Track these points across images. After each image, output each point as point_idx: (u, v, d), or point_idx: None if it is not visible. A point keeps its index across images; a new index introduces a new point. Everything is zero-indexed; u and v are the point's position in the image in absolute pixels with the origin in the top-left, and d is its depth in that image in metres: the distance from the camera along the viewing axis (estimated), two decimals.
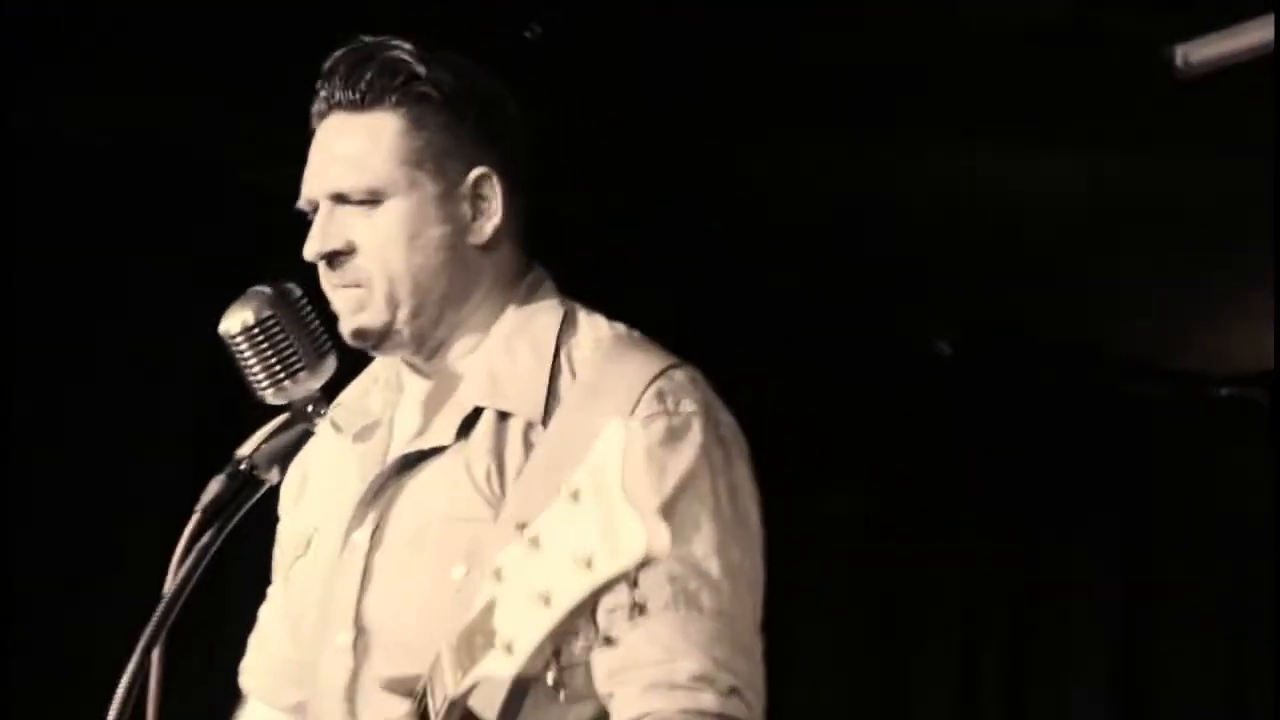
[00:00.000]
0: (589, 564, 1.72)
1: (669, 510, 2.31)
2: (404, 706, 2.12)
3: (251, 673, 2.77)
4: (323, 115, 2.51)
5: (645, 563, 1.69)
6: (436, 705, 2.00)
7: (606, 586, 1.72)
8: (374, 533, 2.47)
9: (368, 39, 2.51)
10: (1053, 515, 6.61)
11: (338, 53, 2.51)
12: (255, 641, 2.77)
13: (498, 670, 1.82)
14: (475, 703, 2.10)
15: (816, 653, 5.43)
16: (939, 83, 4.69)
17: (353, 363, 2.57)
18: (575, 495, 1.74)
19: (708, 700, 2.26)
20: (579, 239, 2.66)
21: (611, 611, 1.78)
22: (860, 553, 5.87)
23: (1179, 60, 3.99)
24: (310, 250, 2.48)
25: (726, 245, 5.56)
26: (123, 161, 4.40)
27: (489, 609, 1.84)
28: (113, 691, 2.30)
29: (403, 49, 2.49)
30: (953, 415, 6.37)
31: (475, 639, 1.87)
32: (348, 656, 2.46)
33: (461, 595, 2.28)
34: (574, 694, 2.34)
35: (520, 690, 2.18)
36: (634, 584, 1.73)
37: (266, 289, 2.47)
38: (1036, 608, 6.61)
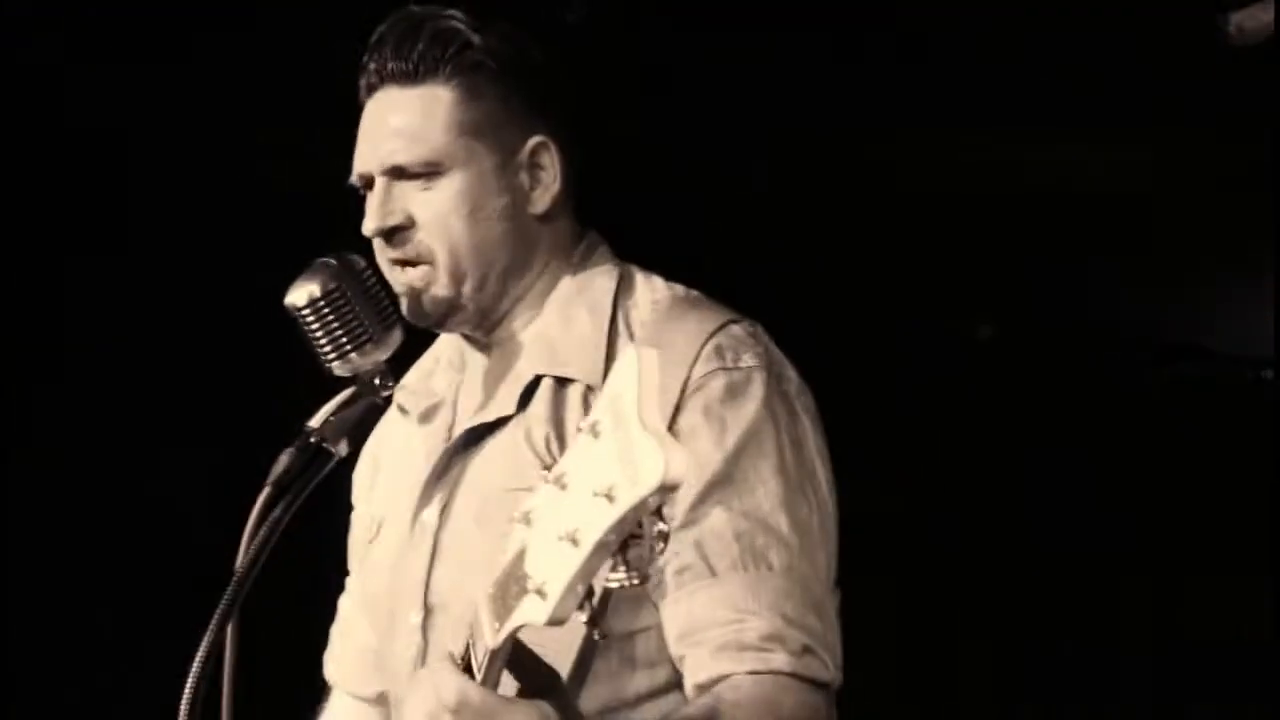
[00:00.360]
0: (610, 496, 1.66)
1: (731, 466, 2.29)
2: None
3: (335, 662, 2.75)
4: (373, 88, 2.47)
5: (666, 488, 1.63)
6: (479, 659, 1.96)
7: (630, 517, 1.67)
8: (442, 510, 2.45)
9: (415, 8, 2.46)
10: (1095, 496, 6.58)
11: (386, 23, 2.47)
12: (337, 632, 2.75)
13: (532, 616, 1.78)
14: (549, 657, 2.08)
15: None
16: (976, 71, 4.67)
17: (415, 337, 2.55)
18: (594, 429, 1.70)
19: (779, 660, 2.23)
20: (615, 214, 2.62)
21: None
22: (892, 536, 5.84)
23: (1232, 28, 3.95)
24: (369, 226, 2.44)
25: (766, 232, 5.55)
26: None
27: (520, 556, 1.80)
28: (187, 667, 2.29)
29: (455, 18, 2.45)
30: (987, 400, 6.34)
31: (509, 587, 1.83)
32: (418, 635, 2.44)
33: None
34: (648, 657, 2.32)
35: (590, 645, 2.16)
36: (658, 514, 1.68)
37: (331, 260, 2.45)
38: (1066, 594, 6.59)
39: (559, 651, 2.18)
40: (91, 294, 4.27)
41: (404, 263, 2.45)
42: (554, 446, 2.36)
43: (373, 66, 2.46)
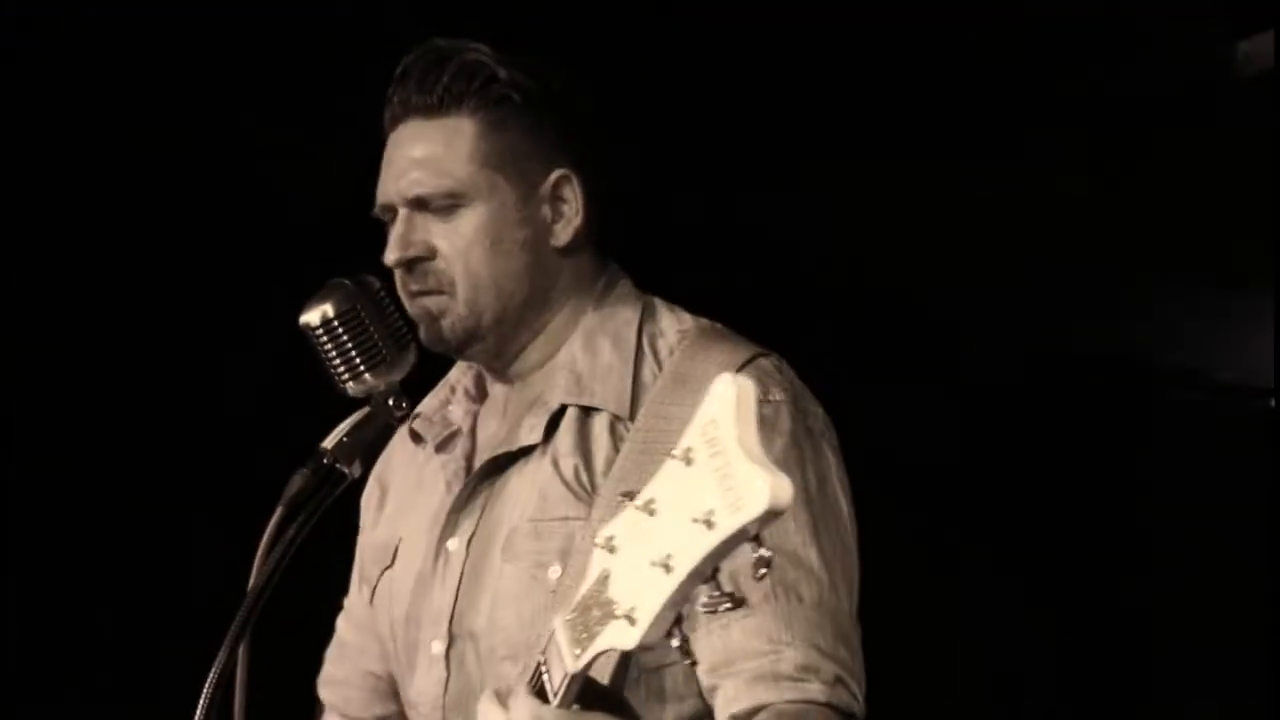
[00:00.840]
0: (709, 523, 1.66)
1: None
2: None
3: (332, 685, 2.74)
4: (396, 120, 2.47)
5: (770, 514, 1.63)
6: (555, 684, 1.94)
7: (729, 544, 1.67)
8: (469, 540, 2.45)
9: (440, 41, 2.46)
10: (1098, 522, 6.58)
11: (410, 55, 2.47)
12: (334, 654, 2.74)
13: (620, 641, 1.78)
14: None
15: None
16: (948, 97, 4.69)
17: (430, 359, 2.55)
18: (687, 457, 1.70)
19: (814, 690, 2.24)
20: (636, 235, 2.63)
21: (735, 574, 1.75)
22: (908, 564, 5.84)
23: (1241, 57, 3.96)
24: (390, 257, 2.44)
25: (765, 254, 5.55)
26: None
27: (603, 580, 1.80)
28: (201, 685, 2.29)
29: (480, 50, 2.45)
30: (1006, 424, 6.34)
31: (591, 612, 1.83)
32: (441, 665, 2.43)
33: (559, 595, 2.27)
34: (675, 690, 2.33)
35: (620, 677, 2.15)
36: (757, 540, 1.68)
37: (347, 281, 2.45)
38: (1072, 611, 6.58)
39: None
40: (103, 299, 4.27)
41: (424, 293, 2.45)
42: (583, 477, 2.36)
43: (397, 99, 2.47)
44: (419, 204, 2.44)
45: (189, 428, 4.24)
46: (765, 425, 2.30)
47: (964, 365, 6.31)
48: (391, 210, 2.47)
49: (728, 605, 1.73)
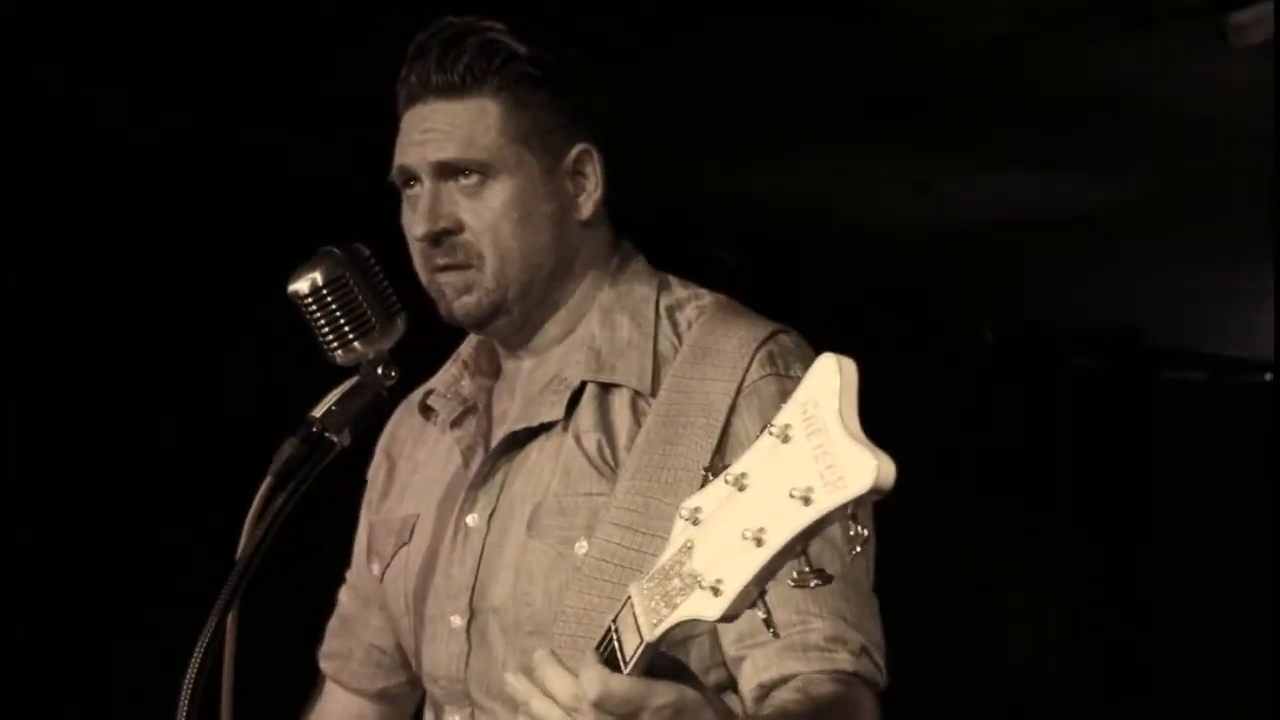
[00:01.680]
0: (807, 499, 1.65)
1: None
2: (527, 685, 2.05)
3: (334, 659, 2.74)
4: (414, 99, 2.45)
5: (874, 493, 1.62)
6: (628, 653, 1.92)
7: (827, 520, 1.66)
8: (490, 516, 2.44)
9: (454, 19, 2.45)
10: (1099, 498, 6.59)
11: (425, 35, 2.45)
12: (336, 627, 2.74)
13: (703, 611, 1.77)
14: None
15: None
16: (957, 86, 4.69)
17: (419, 329, 2.53)
18: (785, 434, 1.69)
19: (842, 660, 2.25)
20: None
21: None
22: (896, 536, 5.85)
23: (1231, 30, 3.95)
24: (419, 230, 2.43)
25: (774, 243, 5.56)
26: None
27: (686, 551, 1.79)
28: (188, 657, 2.27)
29: (496, 29, 2.44)
30: (992, 401, 6.35)
31: (671, 582, 1.81)
32: (462, 639, 2.44)
33: (585, 570, 2.29)
34: (701, 662, 2.32)
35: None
36: (854, 518, 1.67)
37: (335, 249, 2.44)
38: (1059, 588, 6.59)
39: None
40: (87, 280, 4.27)
41: (450, 267, 2.44)
42: (606, 452, 2.37)
43: (414, 78, 2.45)
44: (445, 171, 2.43)
45: (175, 398, 4.24)
46: (785, 399, 2.33)
47: (958, 340, 6.34)
48: (410, 175, 2.46)
49: (817, 581, 1.73)
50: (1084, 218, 5.68)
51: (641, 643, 1.89)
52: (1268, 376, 6.78)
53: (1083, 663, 6.64)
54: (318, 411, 2.43)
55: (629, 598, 1.91)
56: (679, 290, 2.50)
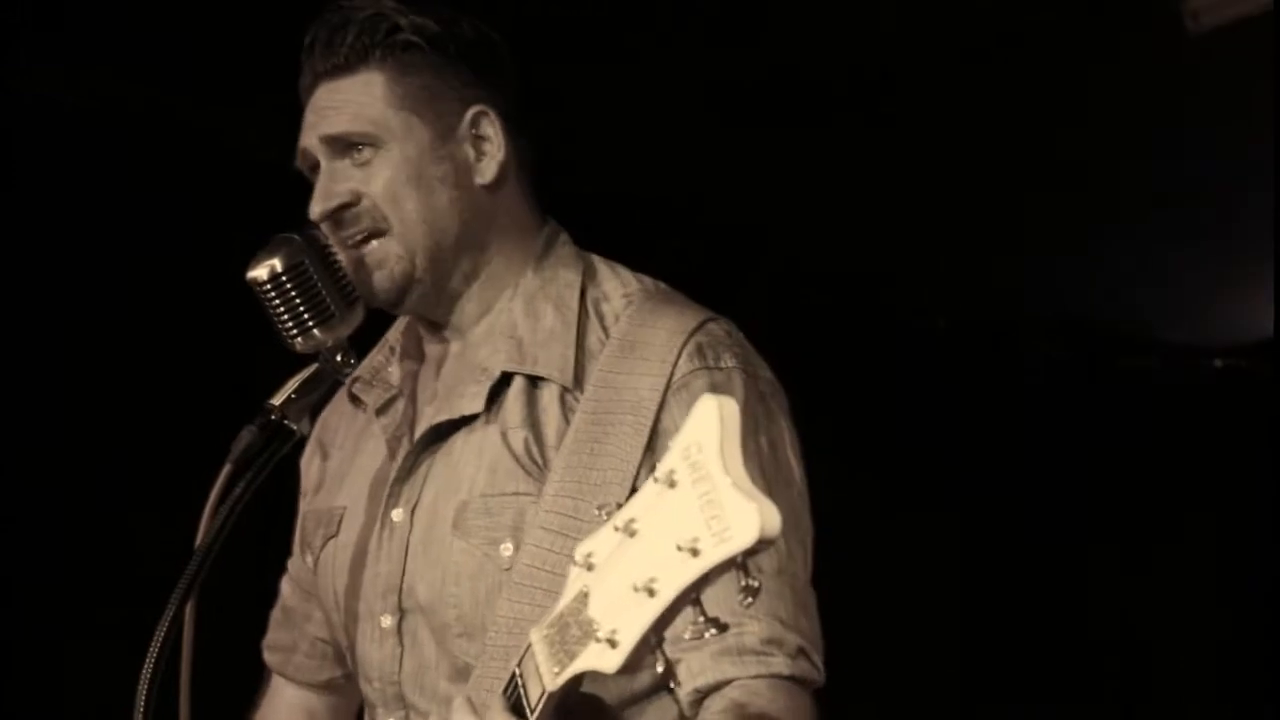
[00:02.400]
0: (694, 551, 1.65)
1: None
2: (461, 691, 2.09)
3: (277, 650, 2.72)
4: (310, 88, 2.47)
5: (761, 545, 1.62)
6: (532, 701, 1.93)
7: (715, 572, 1.66)
8: (413, 510, 2.42)
9: (342, 2, 2.45)
10: (1051, 488, 6.61)
11: (315, 23, 2.46)
12: (279, 618, 2.72)
13: (600, 663, 1.77)
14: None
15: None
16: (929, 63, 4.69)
17: (377, 315, 2.52)
18: (670, 479, 1.67)
19: (778, 664, 2.23)
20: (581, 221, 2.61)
21: (718, 598, 1.75)
22: (857, 524, 5.85)
23: (1187, 17, 3.96)
24: (316, 209, 2.42)
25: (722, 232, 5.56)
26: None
27: (582, 598, 1.78)
28: (147, 644, 2.26)
29: (379, 4, 2.45)
30: (947, 389, 6.36)
31: (570, 630, 1.81)
32: (394, 639, 2.41)
33: (514, 573, 2.26)
34: (655, 685, 2.31)
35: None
36: (743, 568, 1.66)
37: (295, 236, 2.42)
38: (1034, 582, 6.61)
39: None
40: (46, 272, 4.24)
41: (357, 241, 2.43)
42: (534, 451, 2.33)
43: (307, 68, 2.47)
44: (337, 147, 2.43)
45: (135, 386, 4.22)
46: (717, 391, 2.27)
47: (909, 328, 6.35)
48: (310, 159, 2.45)
49: (713, 631, 1.73)
50: (1037, 206, 5.69)
51: (544, 692, 1.90)
52: (1217, 363, 6.82)
53: (1033, 649, 6.66)
54: (277, 399, 2.42)
55: (529, 645, 1.91)
56: (608, 279, 2.46)
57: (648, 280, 2.47)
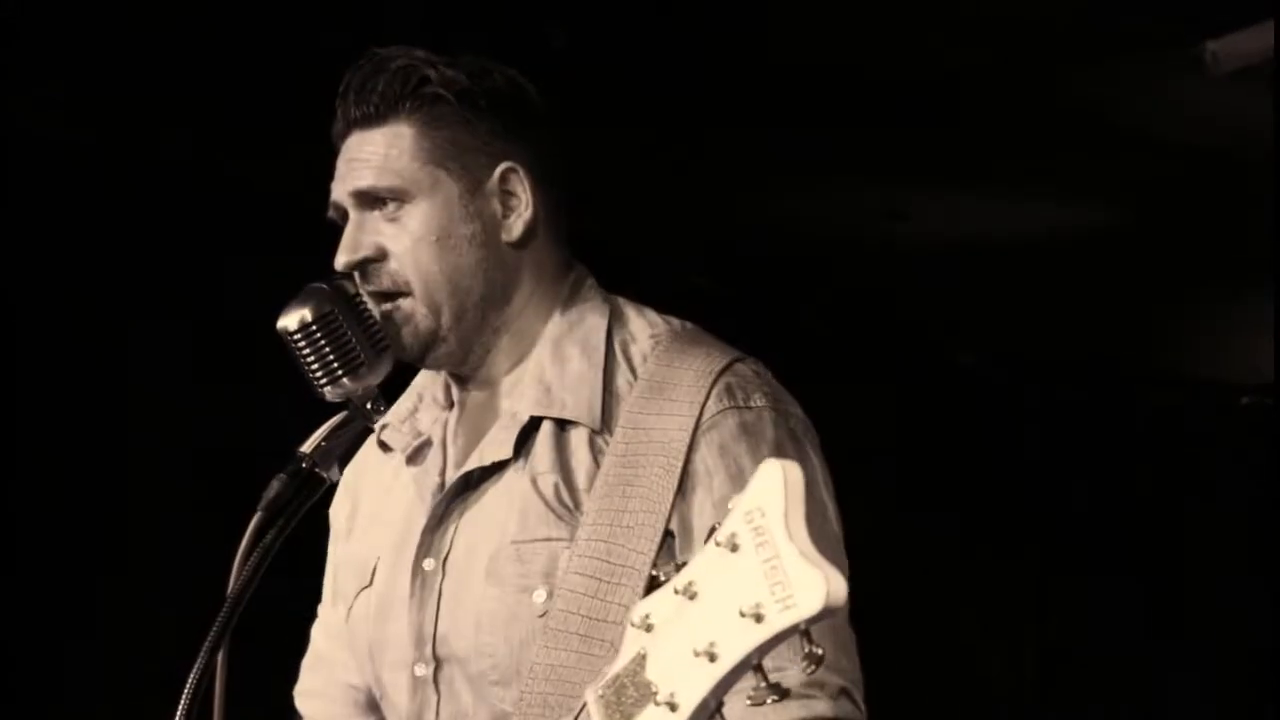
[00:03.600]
0: (758, 617, 1.64)
1: None
2: None
3: (308, 697, 2.69)
4: (342, 136, 2.47)
5: (826, 613, 1.62)
6: None
7: (778, 639, 1.66)
8: (445, 559, 2.41)
9: (377, 51, 2.46)
10: (1076, 523, 6.59)
11: (350, 71, 2.47)
12: (311, 664, 2.70)
13: None
14: None
15: None
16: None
17: (405, 364, 2.54)
18: (732, 543, 1.67)
19: (821, 707, 2.23)
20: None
21: (779, 667, 1.76)
22: (889, 560, 5.85)
23: (1209, 58, 3.97)
24: (341, 260, 2.43)
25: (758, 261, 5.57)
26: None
27: (639, 661, 1.77)
28: (179, 693, 2.28)
29: (411, 55, 2.45)
30: (979, 427, 6.37)
31: (626, 692, 1.79)
32: (429, 689, 2.40)
33: (549, 619, 2.26)
34: None
35: None
36: (807, 635, 1.67)
37: (324, 285, 2.43)
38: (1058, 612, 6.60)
39: None
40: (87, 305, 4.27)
41: (381, 295, 2.44)
42: (564, 495, 2.33)
43: (340, 115, 2.47)
44: (365, 200, 2.43)
45: (166, 433, 4.24)
46: (748, 432, 2.31)
47: (948, 368, 6.36)
48: (342, 211, 2.46)
49: (774, 698, 1.72)
50: (1060, 244, 5.70)
51: None
52: (1244, 400, 6.81)
53: (1058, 686, 6.64)
54: (307, 447, 2.43)
55: (584, 704, 1.88)
56: (634, 320, 2.46)
57: (675, 321, 2.47)
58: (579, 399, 2.38)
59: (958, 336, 6.40)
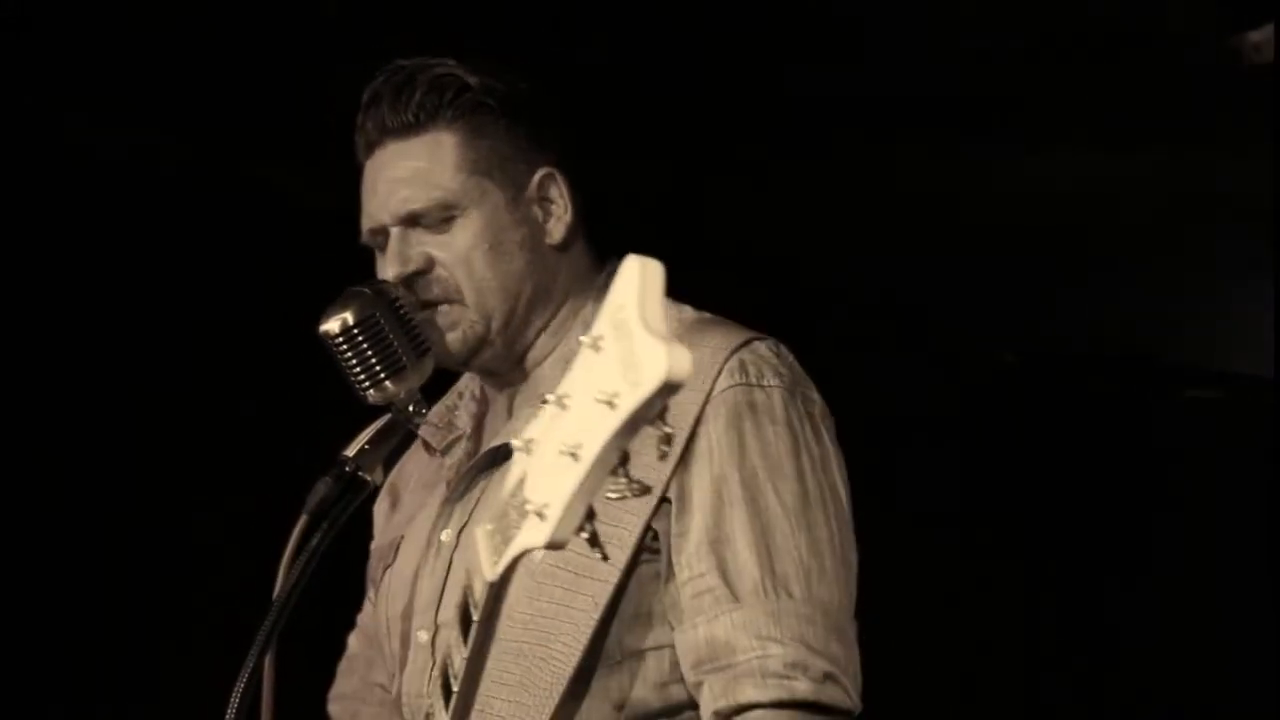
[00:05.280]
0: (612, 403, 1.59)
1: (751, 487, 2.29)
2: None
3: (340, 700, 2.72)
4: (373, 145, 2.48)
5: (668, 387, 1.55)
6: (476, 596, 1.92)
7: (632, 422, 1.59)
8: (460, 530, 2.44)
9: (404, 61, 2.47)
10: (1103, 518, 6.57)
11: (377, 79, 2.47)
12: (344, 668, 2.73)
13: (532, 539, 1.70)
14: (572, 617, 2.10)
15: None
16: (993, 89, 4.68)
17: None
18: (595, 344, 1.63)
19: (801, 689, 2.23)
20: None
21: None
22: (918, 556, 5.83)
23: (1248, 48, 3.96)
24: (390, 273, 2.45)
25: (791, 250, 5.56)
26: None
27: (520, 483, 1.74)
28: (228, 697, 2.29)
29: (446, 64, 2.46)
30: (1012, 423, 6.35)
31: (509, 517, 1.77)
32: (426, 653, 2.43)
33: (537, 576, 2.28)
34: (662, 675, 2.32)
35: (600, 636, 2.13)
36: (661, 418, 1.60)
37: (365, 289, 2.45)
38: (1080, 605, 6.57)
39: (562, 655, 2.23)
40: (147, 312, 4.30)
41: (430, 304, 2.45)
42: None
43: (370, 124, 2.47)
44: (412, 220, 2.45)
45: (212, 438, 4.25)
46: (757, 410, 2.33)
47: (962, 360, 6.34)
48: (382, 233, 2.47)
49: (636, 490, 1.65)
50: (1102, 236, 5.68)
51: (485, 585, 1.88)
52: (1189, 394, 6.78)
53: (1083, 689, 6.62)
54: (350, 451, 2.45)
55: (474, 544, 1.87)
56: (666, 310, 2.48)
57: (705, 313, 2.49)
58: None
59: (990, 329, 6.37)
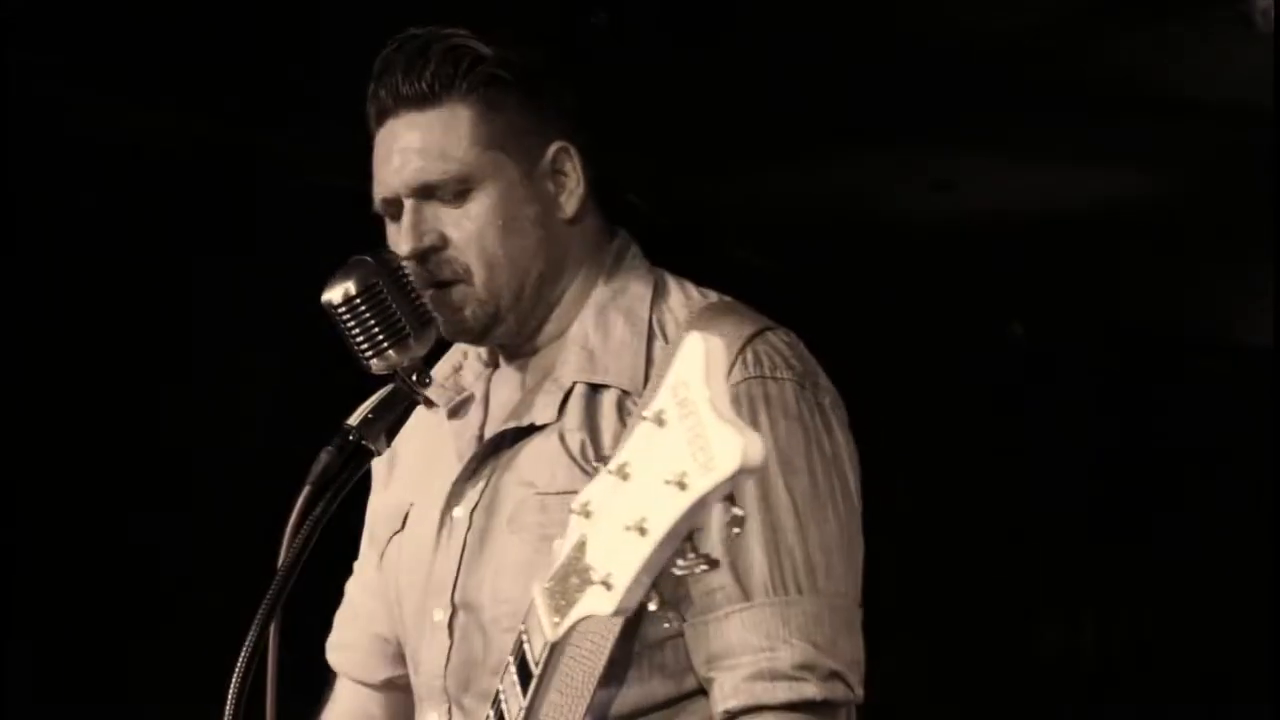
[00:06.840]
0: (682, 484, 1.64)
1: (761, 482, 2.29)
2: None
3: (341, 649, 2.73)
4: (385, 114, 2.45)
5: (742, 474, 1.61)
6: (536, 654, 1.96)
7: (702, 504, 1.65)
8: (473, 510, 2.44)
9: (417, 30, 2.45)
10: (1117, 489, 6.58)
11: (389, 48, 2.45)
12: (343, 617, 2.73)
13: (597, 607, 1.77)
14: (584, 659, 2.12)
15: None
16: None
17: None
18: (659, 419, 1.68)
19: (810, 690, 2.25)
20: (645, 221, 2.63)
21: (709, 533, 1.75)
22: (924, 528, 5.84)
23: (1257, 14, 3.95)
24: (406, 248, 2.43)
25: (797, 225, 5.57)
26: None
27: (580, 547, 1.79)
28: (232, 665, 2.28)
29: (460, 34, 2.44)
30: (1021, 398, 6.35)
31: (569, 580, 1.82)
32: (443, 634, 2.43)
33: (548, 558, 2.27)
34: (679, 664, 2.33)
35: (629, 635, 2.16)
36: (730, 499, 1.66)
37: (368, 258, 2.43)
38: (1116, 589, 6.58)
39: (592, 653, 2.22)
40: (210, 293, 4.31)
41: (441, 283, 2.44)
42: (589, 452, 2.35)
43: (383, 93, 2.45)
44: (426, 192, 2.43)
45: (211, 405, 4.26)
46: (769, 403, 2.32)
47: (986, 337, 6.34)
48: (394, 203, 2.46)
49: (703, 567, 1.71)
50: (1110, 212, 5.68)
51: (546, 643, 1.92)
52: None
53: (1115, 663, 6.62)
54: (354, 420, 2.44)
55: (533, 600, 1.92)
56: (674, 293, 2.47)
57: (713, 294, 2.48)
58: (621, 366, 2.40)
59: (1006, 308, 6.38)
